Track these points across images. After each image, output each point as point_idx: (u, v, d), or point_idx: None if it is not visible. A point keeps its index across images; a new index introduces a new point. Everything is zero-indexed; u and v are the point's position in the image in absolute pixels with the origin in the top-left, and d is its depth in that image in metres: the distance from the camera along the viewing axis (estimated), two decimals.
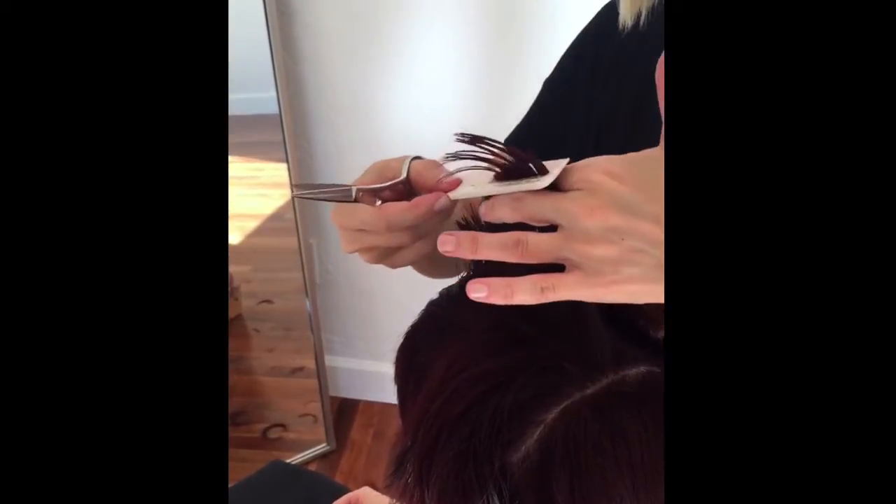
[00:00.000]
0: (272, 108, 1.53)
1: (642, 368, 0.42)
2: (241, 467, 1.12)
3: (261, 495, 1.06)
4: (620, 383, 0.41)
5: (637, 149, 0.48)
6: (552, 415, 0.40)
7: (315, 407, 1.81)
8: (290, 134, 1.55)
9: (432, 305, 0.50)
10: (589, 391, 0.40)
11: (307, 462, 1.79)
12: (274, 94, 1.51)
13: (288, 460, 1.68)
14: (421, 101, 1.54)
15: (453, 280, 0.53)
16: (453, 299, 0.49)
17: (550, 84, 0.79)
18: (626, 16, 0.70)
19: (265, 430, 1.84)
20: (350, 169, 1.75)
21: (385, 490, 0.46)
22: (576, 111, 0.76)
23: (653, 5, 0.70)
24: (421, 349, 0.48)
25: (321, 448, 1.83)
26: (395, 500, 0.45)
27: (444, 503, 0.41)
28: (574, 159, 0.47)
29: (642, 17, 0.70)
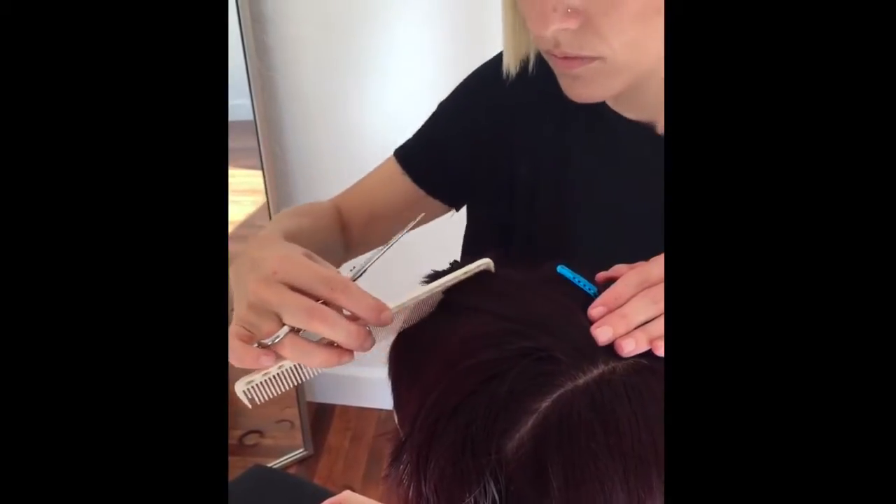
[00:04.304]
0: (243, 115, 1.53)
1: (631, 360, 0.44)
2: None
3: (243, 500, 1.06)
4: (611, 373, 0.42)
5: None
6: (546, 403, 0.41)
7: (292, 412, 1.80)
8: (264, 141, 1.55)
9: None
10: (581, 381, 0.42)
11: (285, 467, 1.78)
12: (245, 101, 1.50)
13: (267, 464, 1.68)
14: (395, 108, 1.55)
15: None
16: (444, 296, 0.51)
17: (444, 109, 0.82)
18: (509, 63, 0.70)
19: (242, 437, 1.83)
20: (324, 175, 1.75)
21: (382, 481, 0.47)
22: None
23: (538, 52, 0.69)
24: (414, 345, 0.49)
25: (299, 453, 1.82)
26: (390, 490, 0.46)
27: (441, 492, 0.42)
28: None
29: (531, 64, 0.70)
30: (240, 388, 0.49)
